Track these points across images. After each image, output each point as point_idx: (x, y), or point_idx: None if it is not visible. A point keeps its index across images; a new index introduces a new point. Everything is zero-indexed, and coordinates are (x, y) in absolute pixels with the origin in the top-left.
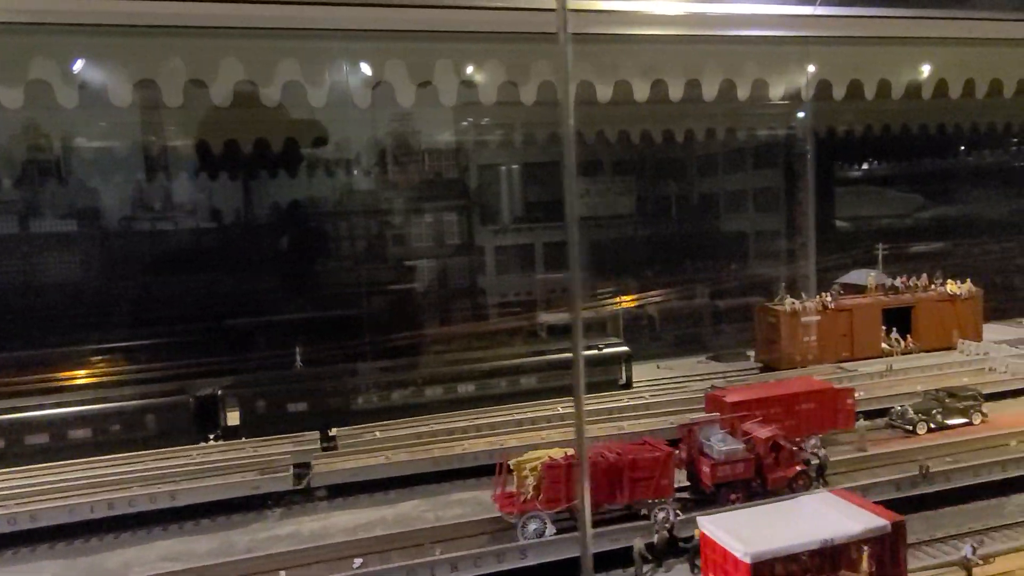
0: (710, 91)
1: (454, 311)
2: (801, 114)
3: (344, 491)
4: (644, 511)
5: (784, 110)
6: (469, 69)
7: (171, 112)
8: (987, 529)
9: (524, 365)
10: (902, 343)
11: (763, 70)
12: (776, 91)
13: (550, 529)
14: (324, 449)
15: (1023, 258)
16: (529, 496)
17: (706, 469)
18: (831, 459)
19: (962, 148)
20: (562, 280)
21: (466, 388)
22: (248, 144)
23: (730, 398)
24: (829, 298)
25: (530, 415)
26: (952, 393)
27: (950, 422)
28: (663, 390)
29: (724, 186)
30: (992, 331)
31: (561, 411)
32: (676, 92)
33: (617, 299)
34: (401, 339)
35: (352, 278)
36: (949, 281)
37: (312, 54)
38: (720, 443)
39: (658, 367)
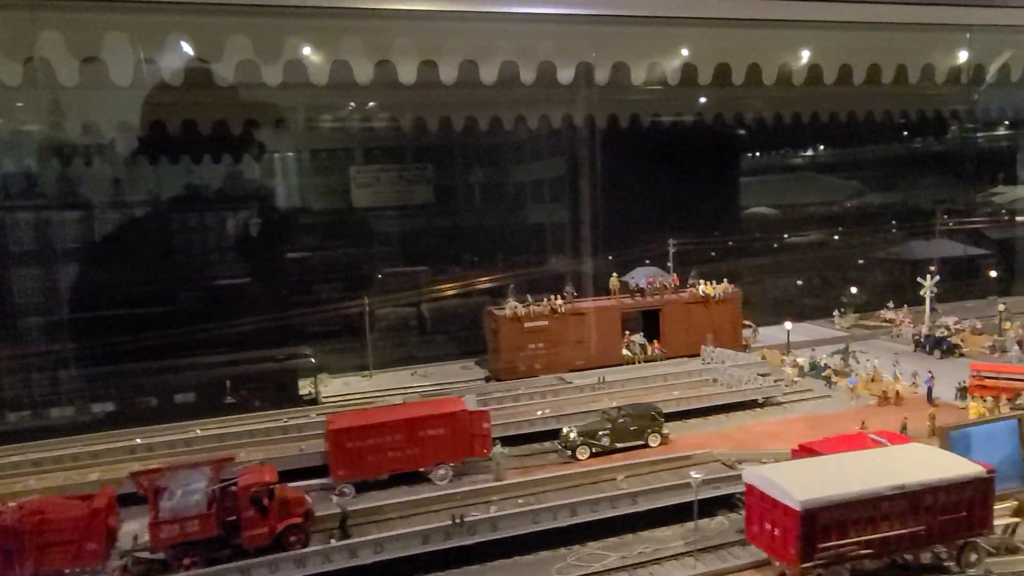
0: (489, 74)
1: (183, 318)
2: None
3: None
4: None
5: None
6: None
7: None
8: None
9: (178, 381)
10: (648, 349)
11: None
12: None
13: None
14: None
15: (882, 250)
16: None
17: (152, 528)
18: (461, 489)
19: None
20: None
21: (103, 407)
22: None
23: (336, 426)
24: (560, 301)
25: (160, 439)
26: (629, 412)
27: (620, 445)
28: (354, 407)
29: (520, 176)
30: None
31: (200, 433)
32: (449, 75)
33: (364, 299)
34: (105, 348)
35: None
36: (703, 282)
37: None
38: (179, 496)
39: (413, 374)
